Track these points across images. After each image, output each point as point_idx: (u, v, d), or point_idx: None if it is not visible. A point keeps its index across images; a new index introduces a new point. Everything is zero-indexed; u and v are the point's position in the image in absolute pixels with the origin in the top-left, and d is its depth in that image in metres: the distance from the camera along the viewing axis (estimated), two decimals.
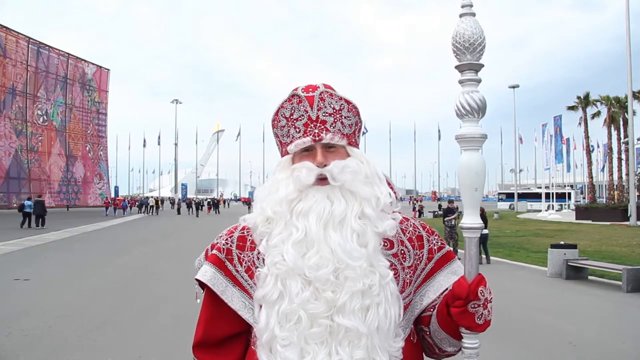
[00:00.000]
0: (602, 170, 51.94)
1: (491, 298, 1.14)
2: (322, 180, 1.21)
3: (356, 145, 1.31)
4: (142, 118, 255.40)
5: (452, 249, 10.43)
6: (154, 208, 44.85)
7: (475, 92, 1.16)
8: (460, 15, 1.17)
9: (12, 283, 8.97)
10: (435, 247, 1.33)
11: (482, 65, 1.17)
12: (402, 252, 1.27)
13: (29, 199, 24.72)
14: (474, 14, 1.17)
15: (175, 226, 27.64)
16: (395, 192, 1.29)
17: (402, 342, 1.17)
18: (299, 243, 1.15)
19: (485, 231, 12.50)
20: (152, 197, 56.63)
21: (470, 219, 1.18)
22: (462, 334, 1.17)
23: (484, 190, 1.22)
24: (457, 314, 1.13)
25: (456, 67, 1.18)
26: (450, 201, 15.07)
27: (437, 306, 1.24)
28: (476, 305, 1.12)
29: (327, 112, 1.25)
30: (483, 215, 12.76)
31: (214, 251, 1.30)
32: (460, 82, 1.18)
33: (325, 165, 1.21)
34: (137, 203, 48.06)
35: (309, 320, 1.10)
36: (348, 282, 1.11)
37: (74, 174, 48.72)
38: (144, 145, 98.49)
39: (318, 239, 1.15)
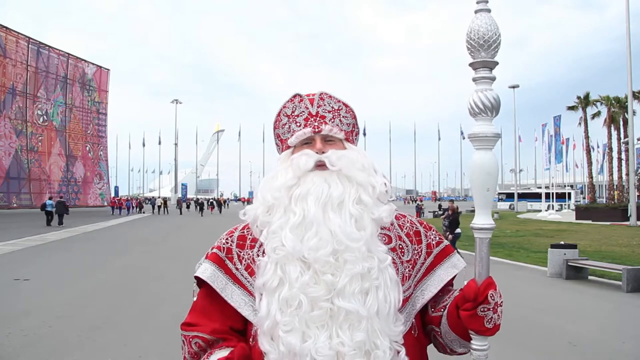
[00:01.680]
0: (600, 172, 51.85)
1: (501, 302, 1.14)
2: (320, 166, 1.24)
3: (353, 143, 1.36)
4: (142, 118, 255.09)
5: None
6: (164, 208, 45.96)
7: (489, 91, 1.13)
8: (476, 12, 1.13)
9: (12, 283, 8.97)
10: (434, 242, 1.34)
11: (497, 63, 1.14)
12: (400, 246, 1.28)
13: (50, 198, 27.37)
14: (489, 10, 1.13)
15: (179, 225, 27.64)
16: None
17: (402, 327, 1.17)
18: (297, 227, 1.17)
19: (458, 230, 12.65)
20: (160, 197, 57.79)
21: (481, 220, 1.16)
22: (471, 335, 1.17)
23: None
24: (466, 317, 1.14)
25: (470, 64, 1.15)
26: (451, 201, 15.25)
27: (447, 307, 1.25)
28: (486, 309, 1.12)
29: (326, 109, 1.31)
30: (455, 218, 12.83)
31: (214, 250, 1.31)
32: (474, 79, 1.15)
33: (323, 152, 1.25)
34: (139, 203, 48.53)
35: (310, 304, 1.11)
36: (347, 264, 1.12)
37: (74, 174, 48.72)
38: (143, 145, 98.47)
39: (317, 220, 1.16)
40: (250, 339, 1.24)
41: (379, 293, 1.13)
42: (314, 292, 1.11)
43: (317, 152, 1.25)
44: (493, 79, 1.14)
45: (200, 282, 1.29)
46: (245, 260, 1.27)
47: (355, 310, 1.10)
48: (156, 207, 47.23)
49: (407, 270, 1.27)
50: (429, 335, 1.34)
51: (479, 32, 1.11)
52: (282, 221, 1.19)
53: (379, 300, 1.12)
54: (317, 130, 1.28)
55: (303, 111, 1.31)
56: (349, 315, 1.10)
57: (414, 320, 1.28)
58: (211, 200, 53.64)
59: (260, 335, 1.16)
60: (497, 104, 1.13)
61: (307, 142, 1.29)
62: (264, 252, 1.22)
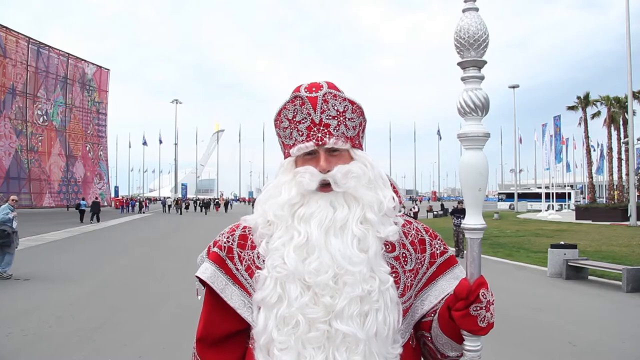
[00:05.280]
0: (597, 172, 51.79)
1: (493, 300, 1.13)
2: (325, 186, 1.20)
3: (360, 146, 1.30)
4: (143, 118, 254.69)
5: (457, 248, 10.23)
6: (177, 208, 47.42)
7: (478, 90, 1.12)
8: (463, 10, 1.12)
9: (12, 283, 8.97)
10: (438, 252, 1.31)
11: (486, 62, 1.13)
12: (404, 255, 1.26)
13: (83, 199, 33.25)
14: (477, 9, 1.12)
15: (181, 224, 27.61)
16: (399, 196, 1.28)
17: (400, 349, 1.16)
18: (300, 247, 1.15)
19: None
20: (169, 197, 60.88)
21: (472, 220, 1.14)
22: (464, 336, 1.15)
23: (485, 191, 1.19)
24: (459, 317, 1.11)
25: (459, 63, 1.14)
26: (460, 202, 15.56)
27: (438, 310, 1.23)
28: (478, 308, 1.10)
29: (330, 115, 1.22)
30: None
31: (215, 249, 1.30)
32: (463, 79, 1.14)
33: (328, 171, 1.20)
34: (140, 203, 48.83)
35: (307, 325, 1.10)
36: (347, 287, 1.11)
37: (74, 174, 48.75)
38: (144, 143, 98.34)
39: (319, 245, 1.14)
40: (250, 341, 1.24)
41: (379, 315, 1.11)
42: (312, 314, 1.10)
43: (321, 171, 1.20)
44: (482, 78, 1.13)
45: (202, 280, 1.29)
46: (245, 261, 1.25)
47: (352, 334, 1.08)
48: (166, 206, 49.70)
49: (409, 280, 1.25)
50: (418, 342, 1.32)
51: (469, 31, 1.09)
52: (284, 239, 1.17)
53: (378, 322, 1.11)
54: (320, 143, 1.21)
55: (305, 118, 1.22)
56: (346, 338, 1.09)
57: (412, 330, 1.26)
58: (217, 200, 55.87)
59: (257, 349, 1.16)
60: (486, 103, 1.12)
61: (310, 153, 1.24)
62: (263, 259, 1.21)
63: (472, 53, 1.11)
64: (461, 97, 1.13)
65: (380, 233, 1.18)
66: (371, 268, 1.14)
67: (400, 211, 1.28)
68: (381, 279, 1.14)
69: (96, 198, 36.09)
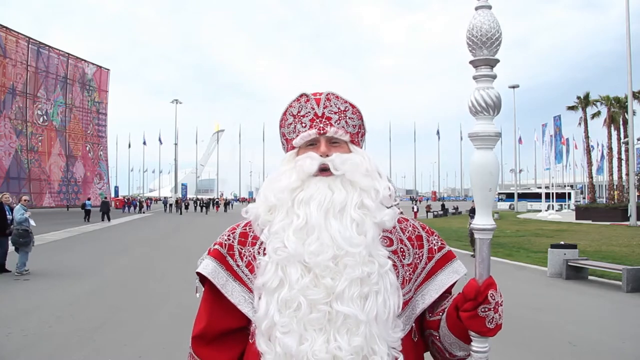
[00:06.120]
0: (597, 172, 51.77)
1: (502, 301, 1.12)
2: (324, 171, 1.24)
3: (358, 145, 1.34)
4: (143, 118, 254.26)
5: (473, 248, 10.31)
6: (178, 207, 47.86)
7: (490, 89, 1.10)
8: (476, 8, 1.10)
9: (12, 283, 8.98)
10: (436, 247, 1.34)
11: (498, 61, 1.11)
12: (402, 250, 1.28)
13: (89, 199, 35.06)
14: (490, 7, 1.10)
15: (182, 223, 27.61)
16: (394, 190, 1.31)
17: (401, 333, 1.17)
18: (300, 230, 1.17)
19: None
20: (171, 197, 62.71)
21: (482, 220, 1.13)
22: (471, 337, 1.15)
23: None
24: (467, 318, 1.12)
25: (471, 62, 1.12)
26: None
27: (446, 309, 1.23)
28: (487, 309, 1.10)
29: (332, 111, 1.30)
30: None
31: (216, 246, 1.32)
32: (475, 78, 1.12)
33: (327, 156, 1.25)
34: (140, 203, 48.94)
35: (309, 307, 1.11)
36: (347, 269, 1.12)
37: (74, 174, 48.76)
38: (144, 143, 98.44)
39: (318, 226, 1.16)
40: (250, 337, 1.24)
41: (379, 298, 1.12)
42: (314, 295, 1.11)
43: (321, 155, 1.25)
44: (494, 77, 1.12)
45: (202, 278, 1.30)
46: (246, 257, 1.27)
47: (353, 315, 1.09)
48: (168, 205, 50.91)
49: (407, 273, 1.26)
50: (427, 341, 1.33)
51: (482, 29, 1.08)
52: (284, 223, 1.19)
53: (378, 305, 1.12)
54: (322, 132, 1.27)
55: (309, 112, 1.29)
56: (347, 320, 1.10)
57: (413, 324, 1.27)
58: (217, 200, 56.63)
59: (258, 335, 1.16)
60: (498, 102, 1.11)
61: (312, 144, 1.29)
62: (264, 251, 1.22)
63: (484, 51, 1.10)
64: (473, 96, 1.11)
65: (376, 219, 1.20)
66: (369, 252, 1.15)
67: (395, 200, 1.30)
68: (380, 263, 1.16)
69: (105, 198, 38.00)
